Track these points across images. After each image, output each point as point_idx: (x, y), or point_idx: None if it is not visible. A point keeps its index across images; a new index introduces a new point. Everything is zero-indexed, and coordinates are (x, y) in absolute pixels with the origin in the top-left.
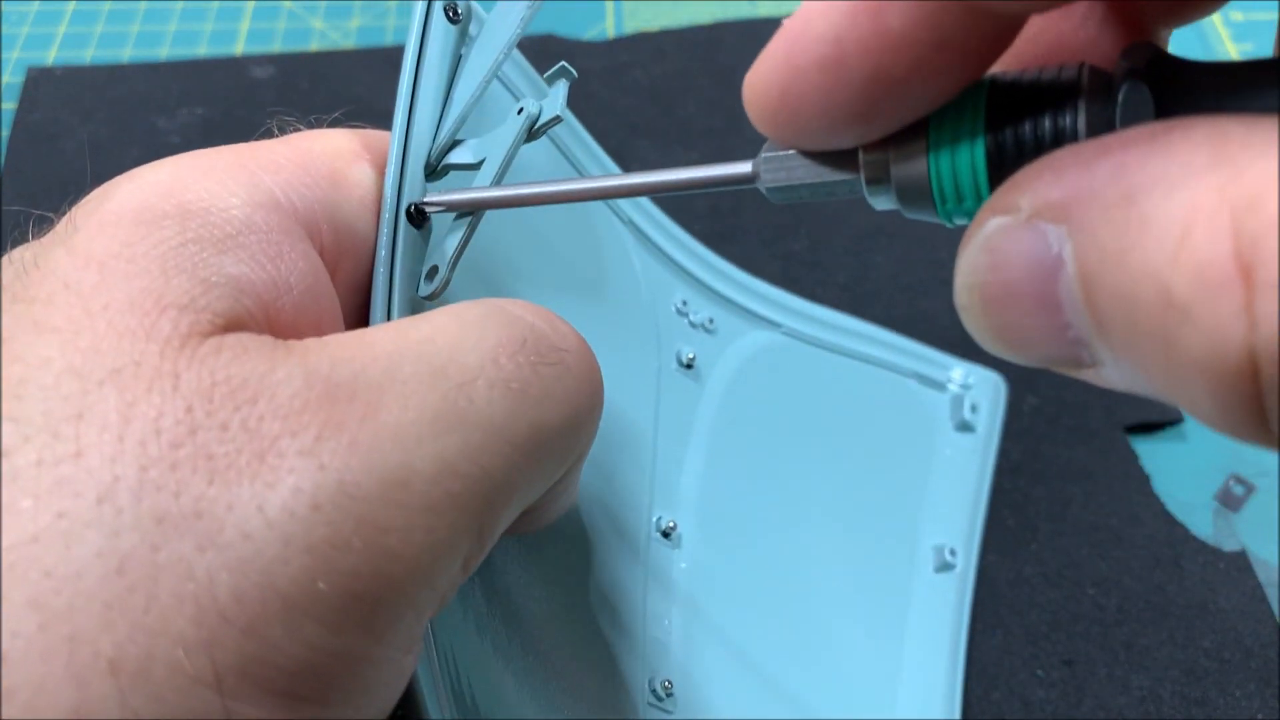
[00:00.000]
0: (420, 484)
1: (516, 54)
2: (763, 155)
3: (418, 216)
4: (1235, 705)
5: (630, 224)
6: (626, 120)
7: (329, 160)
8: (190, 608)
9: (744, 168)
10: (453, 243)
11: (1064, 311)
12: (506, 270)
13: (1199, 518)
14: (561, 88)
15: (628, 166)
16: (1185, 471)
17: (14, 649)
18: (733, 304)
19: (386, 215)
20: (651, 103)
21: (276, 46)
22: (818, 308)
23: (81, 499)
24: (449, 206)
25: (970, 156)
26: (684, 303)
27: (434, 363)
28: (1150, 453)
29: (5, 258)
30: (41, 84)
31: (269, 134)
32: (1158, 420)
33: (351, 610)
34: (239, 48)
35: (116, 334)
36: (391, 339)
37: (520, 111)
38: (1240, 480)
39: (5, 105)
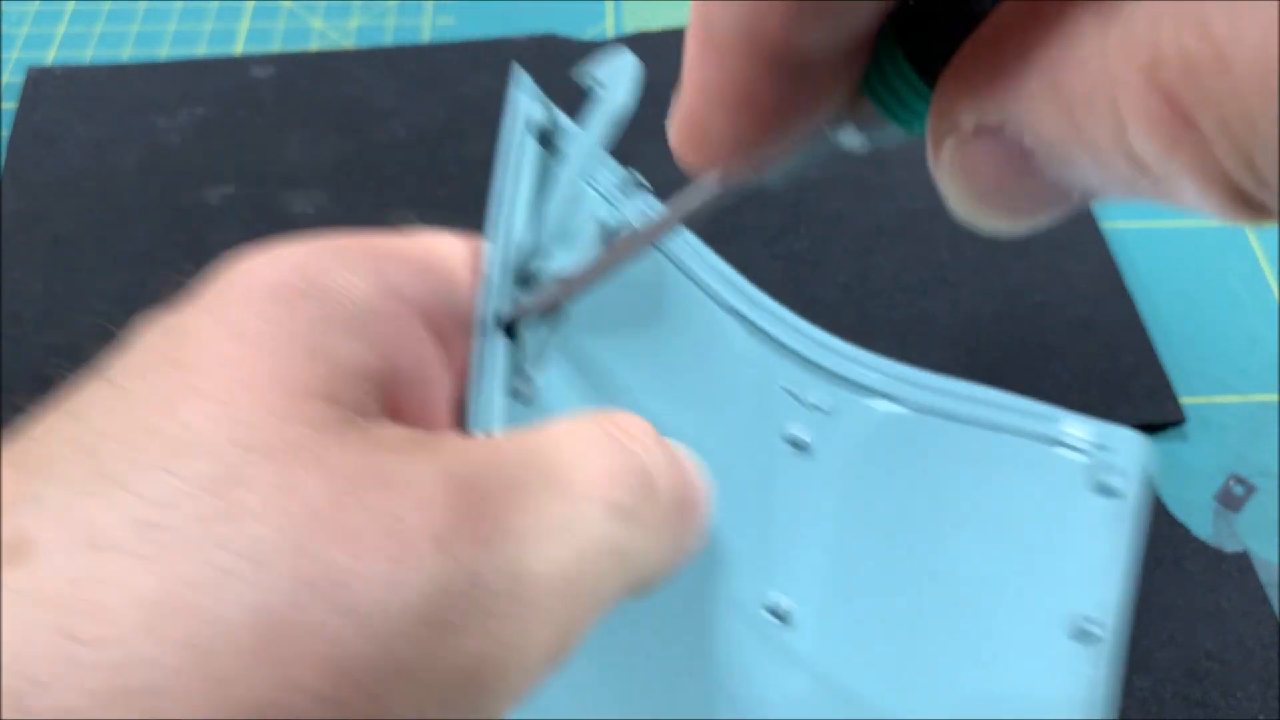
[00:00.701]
0: (535, 584)
1: (608, 159)
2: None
3: (508, 324)
4: (1236, 706)
5: (733, 311)
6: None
7: (444, 259)
8: (326, 667)
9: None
10: (540, 343)
11: (1062, 185)
12: (608, 361)
13: (1199, 518)
14: (638, 197)
15: (629, 165)
16: (1185, 472)
17: (167, 682)
18: (848, 381)
19: (479, 324)
20: (652, 103)
21: (276, 46)
22: (941, 378)
23: (238, 556)
24: (530, 311)
25: (916, 99)
26: (795, 383)
27: (552, 478)
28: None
29: (153, 322)
30: (42, 84)
31: (393, 230)
32: (1158, 421)
33: (462, 688)
34: (238, 47)
35: (269, 412)
36: (517, 450)
37: (598, 223)
38: (1240, 480)
39: (5, 105)
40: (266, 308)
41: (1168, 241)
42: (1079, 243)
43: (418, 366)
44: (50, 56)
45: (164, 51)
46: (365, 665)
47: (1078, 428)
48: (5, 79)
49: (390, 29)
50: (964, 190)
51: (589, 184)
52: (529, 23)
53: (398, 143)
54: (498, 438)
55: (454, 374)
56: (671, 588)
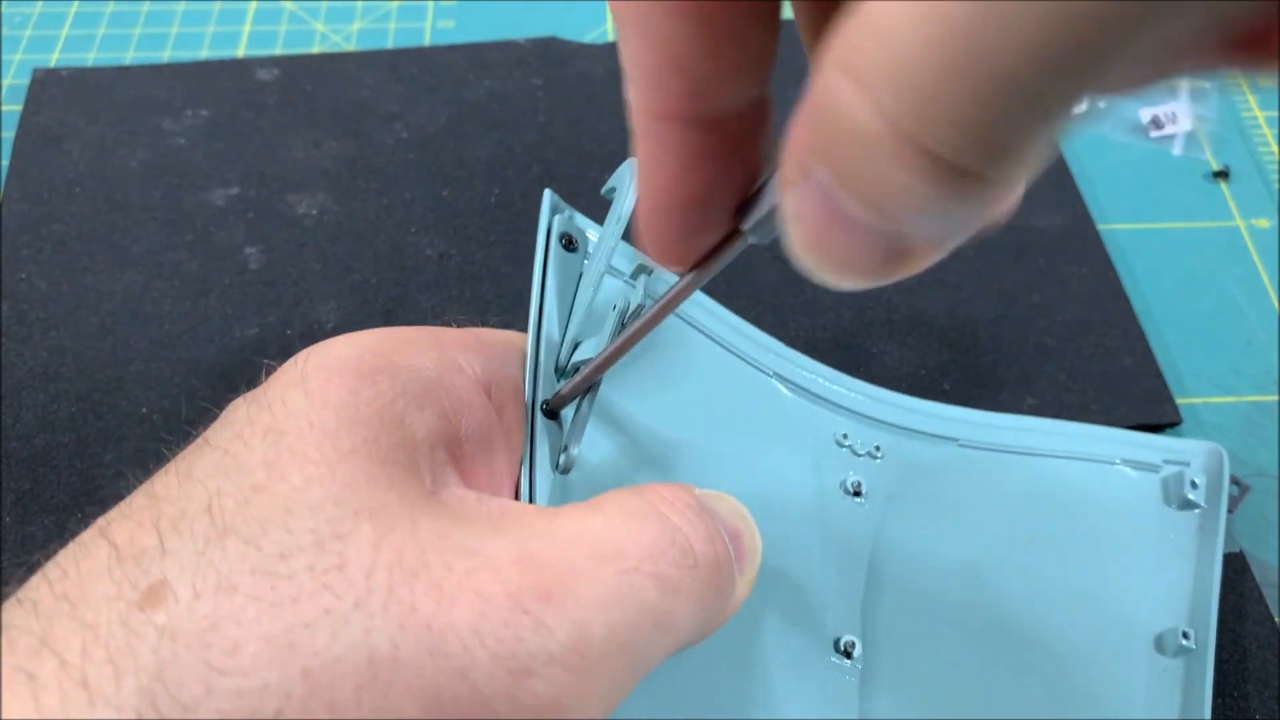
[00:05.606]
0: (595, 644)
1: (625, 247)
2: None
3: (550, 409)
4: (1234, 707)
5: (776, 375)
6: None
7: (497, 346)
8: (420, 699)
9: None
10: (578, 419)
11: (880, 236)
12: (648, 421)
13: None
14: (643, 281)
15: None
16: None
17: (287, 706)
18: (899, 428)
19: (526, 412)
20: None
21: (278, 50)
22: (996, 415)
23: (343, 601)
24: (567, 396)
25: None
26: (844, 435)
27: (604, 552)
28: None
29: (243, 398)
30: (48, 85)
31: (448, 324)
32: (1154, 422)
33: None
34: (240, 50)
35: (365, 477)
36: (574, 527)
37: (615, 308)
38: (1236, 481)
39: (9, 107)
40: (349, 382)
41: (1164, 243)
42: (1076, 244)
43: (478, 428)
44: (53, 59)
45: (166, 54)
46: (455, 700)
47: (1147, 445)
48: (9, 81)
49: (391, 32)
50: (794, 238)
51: (608, 273)
52: (529, 25)
53: (400, 144)
54: (556, 512)
55: (507, 432)
56: (744, 632)
